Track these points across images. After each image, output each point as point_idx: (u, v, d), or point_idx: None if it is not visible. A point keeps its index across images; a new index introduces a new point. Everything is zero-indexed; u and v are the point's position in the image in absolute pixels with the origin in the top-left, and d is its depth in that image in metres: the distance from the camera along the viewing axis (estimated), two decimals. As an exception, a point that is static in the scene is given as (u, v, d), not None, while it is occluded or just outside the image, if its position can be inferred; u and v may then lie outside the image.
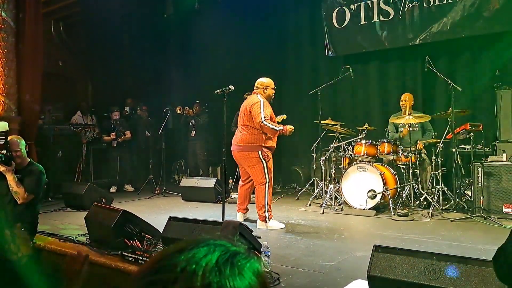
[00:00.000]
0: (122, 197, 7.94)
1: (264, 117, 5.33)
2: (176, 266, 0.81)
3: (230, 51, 9.77)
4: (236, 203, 6.14)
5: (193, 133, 9.32)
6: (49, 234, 4.92)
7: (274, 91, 5.76)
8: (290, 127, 5.46)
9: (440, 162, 6.27)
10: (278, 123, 5.66)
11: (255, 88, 5.76)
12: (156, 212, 6.44)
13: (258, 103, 5.45)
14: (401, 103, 7.12)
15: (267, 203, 5.40)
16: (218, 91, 5.31)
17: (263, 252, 3.54)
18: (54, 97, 9.42)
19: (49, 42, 9.98)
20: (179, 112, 9.11)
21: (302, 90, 8.87)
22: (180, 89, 11.00)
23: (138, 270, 0.88)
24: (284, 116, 6.07)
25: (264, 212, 5.38)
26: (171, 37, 11.33)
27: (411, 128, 6.61)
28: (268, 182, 5.43)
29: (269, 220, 5.39)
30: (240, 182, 5.93)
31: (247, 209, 5.89)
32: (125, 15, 9.92)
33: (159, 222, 4.25)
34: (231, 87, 5.33)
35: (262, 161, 5.42)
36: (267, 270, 3.46)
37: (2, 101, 6.79)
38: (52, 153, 8.35)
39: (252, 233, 3.89)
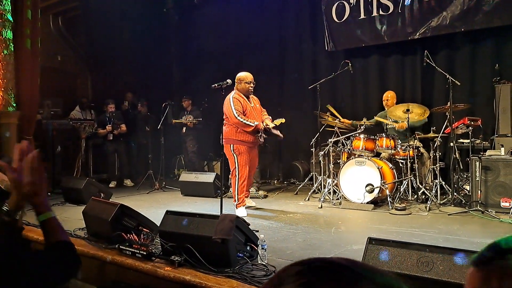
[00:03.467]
0: (121, 192, 7.94)
1: (237, 112, 5.61)
2: None
3: (229, 45, 9.75)
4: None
5: (184, 129, 9.27)
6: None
7: (250, 85, 5.84)
8: (262, 125, 5.74)
9: (438, 156, 6.29)
10: (275, 126, 5.85)
11: None
12: (155, 207, 6.44)
13: (228, 99, 5.72)
14: (383, 102, 7.17)
15: (237, 194, 5.74)
16: (216, 85, 5.34)
17: (259, 245, 3.55)
18: (53, 92, 9.41)
19: (48, 36, 9.98)
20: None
21: (301, 85, 8.86)
22: (179, 83, 11.00)
23: None
24: (282, 120, 6.01)
25: (235, 201, 5.78)
26: (170, 31, 11.32)
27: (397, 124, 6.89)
28: (238, 176, 5.74)
29: (236, 209, 5.71)
30: None
31: (249, 191, 6.25)
32: (124, 9, 9.90)
33: (157, 216, 4.24)
34: (229, 81, 5.36)
35: (233, 155, 5.74)
36: (264, 263, 3.47)
37: (1, 95, 6.78)
38: (51, 148, 8.35)
39: (249, 226, 3.90)
